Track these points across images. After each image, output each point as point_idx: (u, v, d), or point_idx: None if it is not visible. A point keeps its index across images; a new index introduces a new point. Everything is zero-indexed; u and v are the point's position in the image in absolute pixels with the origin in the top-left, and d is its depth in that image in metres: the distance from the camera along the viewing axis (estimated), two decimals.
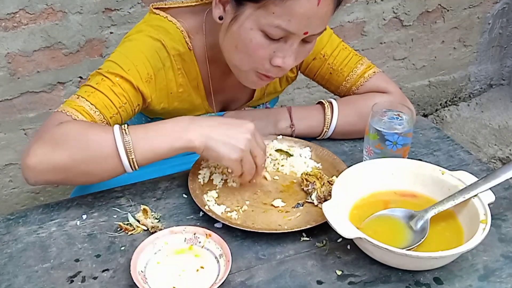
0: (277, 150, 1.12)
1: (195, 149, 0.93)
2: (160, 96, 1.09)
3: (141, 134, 0.93)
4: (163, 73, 1.07)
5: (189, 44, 1.08)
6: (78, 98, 0.99)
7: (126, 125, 0.93)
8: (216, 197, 1.02)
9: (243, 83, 1.07)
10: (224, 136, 0.93)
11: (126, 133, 0.91)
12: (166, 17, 1.07)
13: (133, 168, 0.93)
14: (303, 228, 0.93)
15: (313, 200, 1.00)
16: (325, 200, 0.95)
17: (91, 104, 0.98)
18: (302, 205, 1.00)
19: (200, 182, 1.05)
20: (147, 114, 1.19)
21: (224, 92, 1.19)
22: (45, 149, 0.91)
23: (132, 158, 0.92)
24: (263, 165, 0.98)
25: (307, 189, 1.02)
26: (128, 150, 0.91)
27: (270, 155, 1.11)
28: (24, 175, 0.93)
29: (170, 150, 0.93)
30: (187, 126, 0.93)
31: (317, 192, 0.99)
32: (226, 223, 0.94)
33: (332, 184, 0.96)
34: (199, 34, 1.09)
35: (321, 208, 0.98)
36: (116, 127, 0.92)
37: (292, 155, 1.11)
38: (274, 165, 1.10)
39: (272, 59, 0.98)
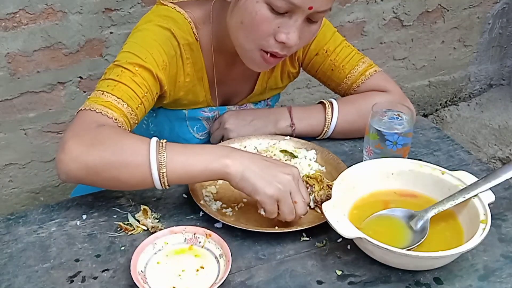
0: (281, 151, 1.12)
1: (230, 176, 0.89)
2: (171, 83, 1.09)
3: (178, 150, 0.90)
4: (175, 60, 1.07)
5: (196, 34, 1.09)
6: (103, 94, 0.97)
7: (164, 140, 0.91)
8: (215, 193, 1.02)
9: (248, 65, 1.06)
10: (264, 170, 0.89)
11: (162, 146, 0.89)
12: (174, 7, 1.08)
13: (163, 184, 0.90)
14: (303, 228, 0.93)
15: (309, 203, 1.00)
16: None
17: (117, 98, 0.97)
18: None
19: None
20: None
21: (227, 84, 1.19)
22: (80, 148, 0.90)
23: (163, 172, 0.88)
24: (302, 215, 0.92)
25: None
26: (160, 163, 0.88)
27: (274, 155, 1.11)
28: (57, 170, 0.92)
29: (204, 172, 0.89)
30: (228, 153, 0.90)
31: (314, 195, 0.99)
32: (219, 219, 0.94)
33: (331, 188, 0.96)
34: (206, 24, 1.10)
35: (317, 211, 0.99)
36: (154, 139, 0.91)
37: (296, 157, 1.11)
38: None
39: (276, 35, 0.97)
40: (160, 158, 0.88)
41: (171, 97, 1.12)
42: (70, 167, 0.90)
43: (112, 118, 0.95)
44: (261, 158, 0.92)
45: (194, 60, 1.11)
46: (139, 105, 1.00)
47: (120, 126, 0.96)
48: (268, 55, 1.01)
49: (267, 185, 0.88)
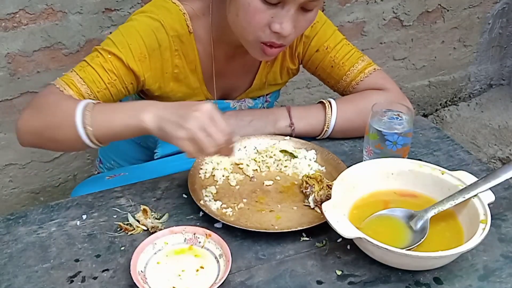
0: (281, 151, 1.12)
1: (148, 130, 0.91)
2: (155, 75, 1.11)
3: (102, 109, 0.95)
4: (159, 53, 1.09)
5: (190, 27, 1.10)
6: (71, 72, 1.04)
7: (96, 101, 0.96)
8: (215, 193, 1.02)
9: (253, 55, 1.07)
10: (173, 115, 0.89)
11: (88, 106, 0.94)
12: None
13: (93, 142, 0.94)
14: (303, 228, 0.93)
15: (309, 203, 1.00)
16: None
17: (80, 78, 1.03)
18: None
19: (200, 177, 1.05)
20: (147, 98, 1.19)
21: (226, 77, 1.20)
22: (27, 113, 1.00)
23: (89, 132, 0.93)
24: (221, 145, 0.89)
25: (306, 191, 1.02)
26: (85, 122, 0.93)
27: (274, 155, 1.11)
28: (17, 138, 1.02)
29: (125, 129, 0.93)
30: (145, 107, 0.92)
31: (314, 195, 0.99)
32: (219, 219, 0.94)
33: (331, 188, 0.96)
34: (205, 16, 1.12)
35: (317, 211, 0.99)
36: (86, 100, 0.96)
37: (296, 157, 1.11)
38: (277, 165, 1.10)
39: (271, 25, 0.99)
40: (85, 118, 0.93)
41: (162, 89, 1.13)
42: (20, 131, 1.00)
43: (67, 95, 1.00)
44: (176, 104, 0.91)
45: (185, 52, 1.12)
46: (102, 90, 1.04)
47: None
48: (267, 46, 1.02)
49: (176, 128, 0.87)
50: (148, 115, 0.90)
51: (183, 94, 1.17)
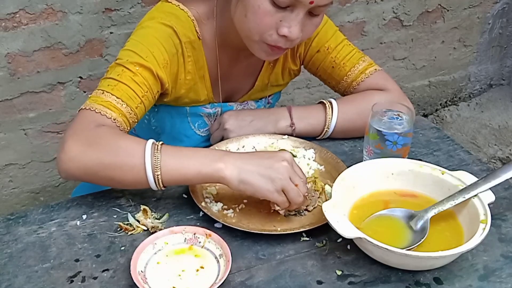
0: (280, 150, 1.12)
1: (226, 180, 0.90)
2: (173, 81, 1.10)
3: (172, 153, 0.92)
4: (176, 58, 1.08)
5: (199, 33, 1.10)
6: (103, 93, 0.99)
7: (160, 142, 0.93)
8: (215, 194, 1.02)
9: (256, 54, 1.07)
10: (259, 166, 0.89)
11: (157, 149, 0.91)
12: (178, 5, 1.09)
13: (158, 186, 0.92)
14: (300, 229, 0.93)
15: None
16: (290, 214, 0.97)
17: (117, 97, 0.98)
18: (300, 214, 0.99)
19: None
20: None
21: (230, 80, 1.20)
22: (78, 148, 0.92)
23: (158, 175, 0.90)
24: (306, 193, 0.94)
25: None
26: (155, 166, 0.90)
27: None
28: (57, 168, 0.95)
29: (198, 175, 0.91)
30: (220, 157, 0.91)
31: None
32: (220, 220, 0.94)
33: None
34: (210, 20, 1.11)
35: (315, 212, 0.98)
36: (150, 141, 0.92)
37: (295, 156, 1.11)
38: None
39: (279, 29, 0.98)
40: (155, 161, 0.90)
41: (173, 94, 1.13)
42: (68, 166, 0.93)
43: (110, 118, 0.96)
44: (251, 155, 0.93)
45: (195, 58, 1.12)
46: (139, 105, 1.01)
47: (119, 126, 0.97)
48: (272, 47, 1.02)
49: (268, 181, 0.89)
50: (226, 165, 0.89)
51: (190, 100, 1.17)
